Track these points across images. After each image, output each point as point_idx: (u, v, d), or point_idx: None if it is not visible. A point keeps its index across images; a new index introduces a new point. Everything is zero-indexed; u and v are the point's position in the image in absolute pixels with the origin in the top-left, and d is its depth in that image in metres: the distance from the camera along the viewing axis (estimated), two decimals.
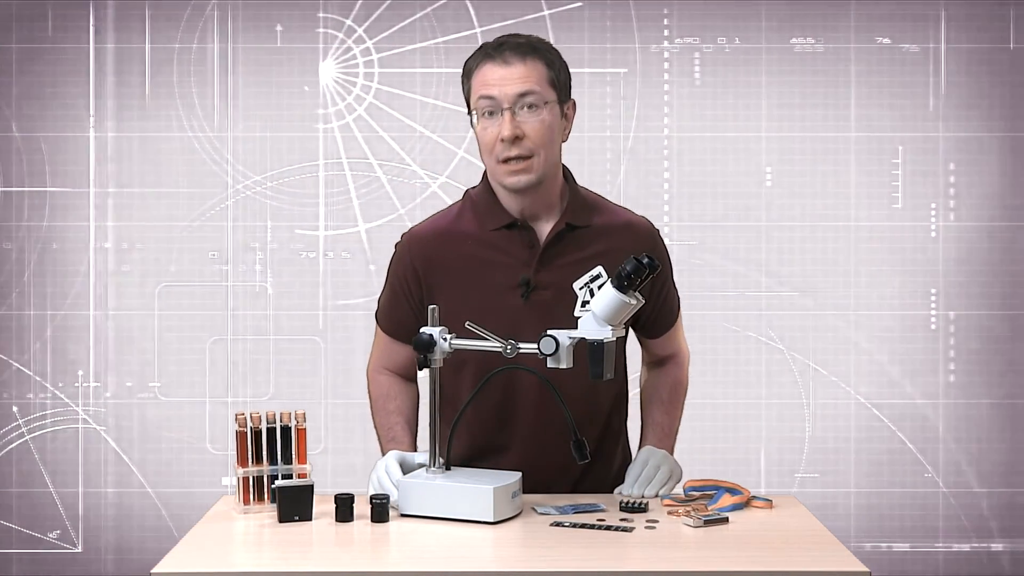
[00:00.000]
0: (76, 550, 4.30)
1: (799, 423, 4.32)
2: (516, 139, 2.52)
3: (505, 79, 2.52)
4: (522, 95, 2.52)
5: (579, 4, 4.27)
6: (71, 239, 4.29)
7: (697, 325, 4.02)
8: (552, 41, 4.21)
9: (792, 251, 4.30)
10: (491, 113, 2.55)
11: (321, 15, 4.26)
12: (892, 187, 4.29)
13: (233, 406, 4.28)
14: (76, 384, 4.29)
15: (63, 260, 4.29)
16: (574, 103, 2.64)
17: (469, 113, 2.60)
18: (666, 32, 4.29)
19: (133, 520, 4.29)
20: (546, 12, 4.26)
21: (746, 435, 4.29)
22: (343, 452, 4.23)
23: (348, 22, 4.26)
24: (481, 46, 2.60)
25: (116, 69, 4.26)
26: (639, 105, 4.29)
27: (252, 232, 4.29)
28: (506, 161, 2.54)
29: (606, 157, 4.28)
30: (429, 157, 4.30)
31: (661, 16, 4.29)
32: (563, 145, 2.63)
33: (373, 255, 4.29)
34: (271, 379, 4.30)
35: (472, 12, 4.26)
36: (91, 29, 4.25)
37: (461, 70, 2.62)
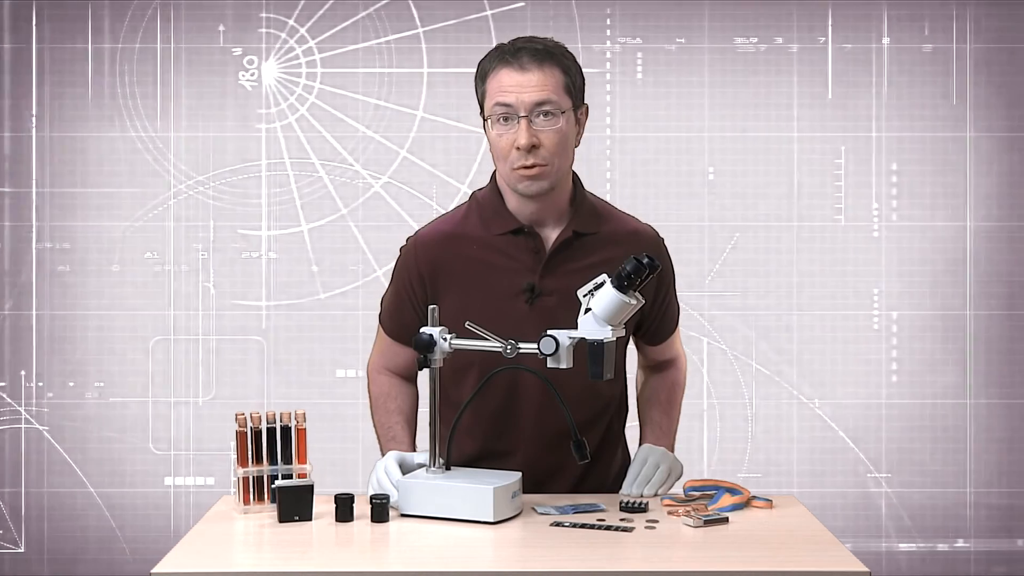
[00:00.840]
0: (19, 550, 4.29)
1: (742, 423, 4.32)
2: (532, 148, 2.51)
3: (522, 86, 2.50)
4: (539, 104, 2.50)
5: (521, 4, 4.27)
6: (13, 239, 4.29)
7: None
8: (494, 41, 4.27)
9: (734, 251, 4.30)
10: (506, 119, 2.52)
11: (263, 15, 4.26)
12: (835, 187, 4.29)
13: (176, 406, 4.28)
14: (19, 384, 4.29)
15: (5, 260, 4.29)
16: (587, 108, 2.62)
17: (482, 115, 2.57)
18: (608, 32, 4.29)
19: (76, 520, 4.29)
20: (488, 12, 4.27)
21: (688, 435, 4.29)
22: None
23: (291, 22, 4.26)
24: (497, 47, 2.57)
25: (59, 69, 4.26)
26: None
27: (195, 232, 4.29)
28: (521, 168, 2.53)
29: None
30: (372, 157, 4.30)
31: (604, 16, 4.29)
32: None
33: (315, 255, 4.29)
34: (213, 379, 4.30)
35: (415, 12, 4.27)
36: (34, 29, 4.25)
37: (475, 71, 2.58)
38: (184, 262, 4.28)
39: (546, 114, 2.50)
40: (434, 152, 4.29)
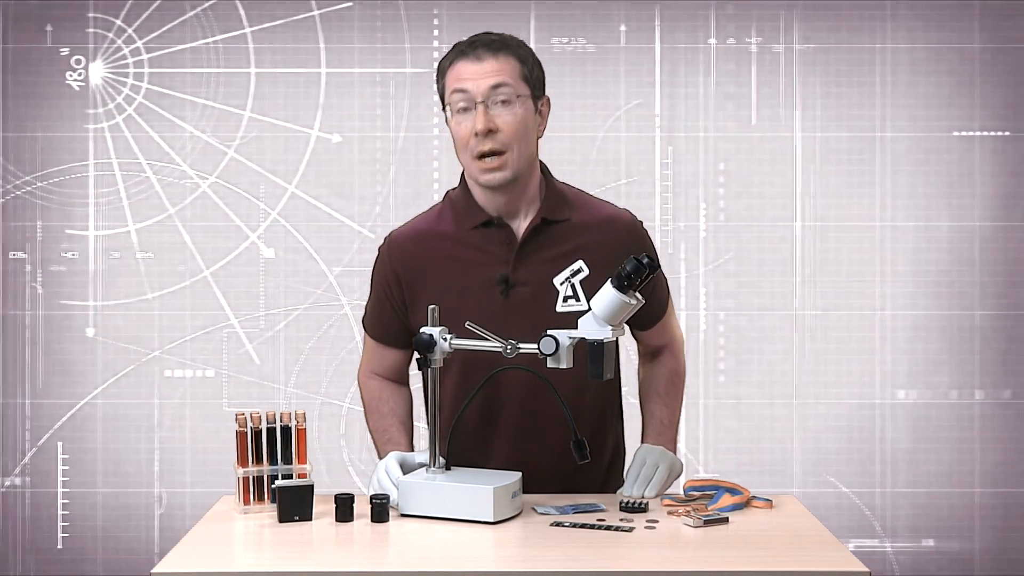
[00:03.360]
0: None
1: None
2: (490, 132, 2.54)
3: (478, 74, 2.55)
4: (495, 87, 2.54)
5: (349, 4, 4.27)
6: None
7: None
8: (321, 42, 4.28)
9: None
10: (465, 109, 2.56)
11: (91, 15, 4.26)
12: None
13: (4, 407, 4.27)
14: None
15: None
16: (548, 100, 2.66)
17: (444, 111, 2.61)
18: (436, 32, 4.29)
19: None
20: (316, 12, 4.26)
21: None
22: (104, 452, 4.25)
23: (118, 22, 4.26)
24: (454, 45, 2.62)
25: None
26: (409, 105, 4.29)
27: (22, 232, 4.28)
28: (481, 157, 2.55)
29: (376, 157, 4.29)
30: (199, 157, 4.29)
31: (431, 16, 4.29)
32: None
33: (143, 255, 4.28)
34: (40, 379, 4.29)
35: (242, 12, 4.26)
36: None
37: (435, 70, 2.66)
38: (11, 262, 4.28)
39: (503, 101, 2.55)
40: (261, 152, 4.29)
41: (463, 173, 2.67)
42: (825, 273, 4.30)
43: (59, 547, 4.27)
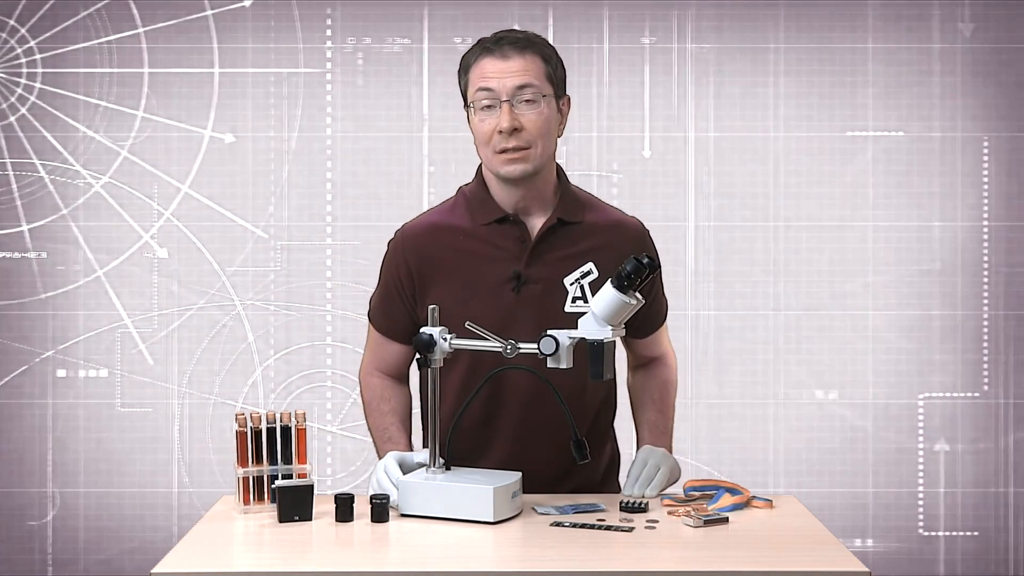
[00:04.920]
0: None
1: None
2: (514, 131, 2.54)
3: (504, 72, 2.55)
4: (520, 88, 2.55)
5: (242, 5, 4.27)
6: None
7: None
8: (215, 42, 4.28)
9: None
10: (489, 106, 2.56)
11: None
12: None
13: None
14: None
15: None
16: (569, 99, 2.67)
17: (466, 107, 2.61)
18: (329, 32, 4.30)
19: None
20: (209, 12, 4.26)
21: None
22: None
23: (11, 22, 4.25)
24: (479, 41, 2.62)
25: None
26: (303, 105, 4.29)
27: None
28: (503, 151, 2.56)
29: (270, 157, 4.29)
30: (93, 157, 4.29)
31: (324, 16, 4.29)
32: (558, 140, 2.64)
33: (36, 255, 4.27)
34: None
35: (135, 12, 4.26)
36: None
37: (457, 66, 2.63)
38: None
39: (528, 100, 2.55)
40: (155, 152, 4.28)
41: (478, 168, 2.68)
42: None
43: None
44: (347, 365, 4.29)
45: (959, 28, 4.29)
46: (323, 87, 4.29)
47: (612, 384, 2.75)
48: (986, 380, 4.31)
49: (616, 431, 2.84)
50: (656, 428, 2.78)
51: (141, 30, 4.26)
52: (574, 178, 2.76)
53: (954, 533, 4.31)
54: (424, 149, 4.29)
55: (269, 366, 4.31)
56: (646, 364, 2.84)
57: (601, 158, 4.30)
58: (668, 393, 2.83)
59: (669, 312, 2.84)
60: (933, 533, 4.31)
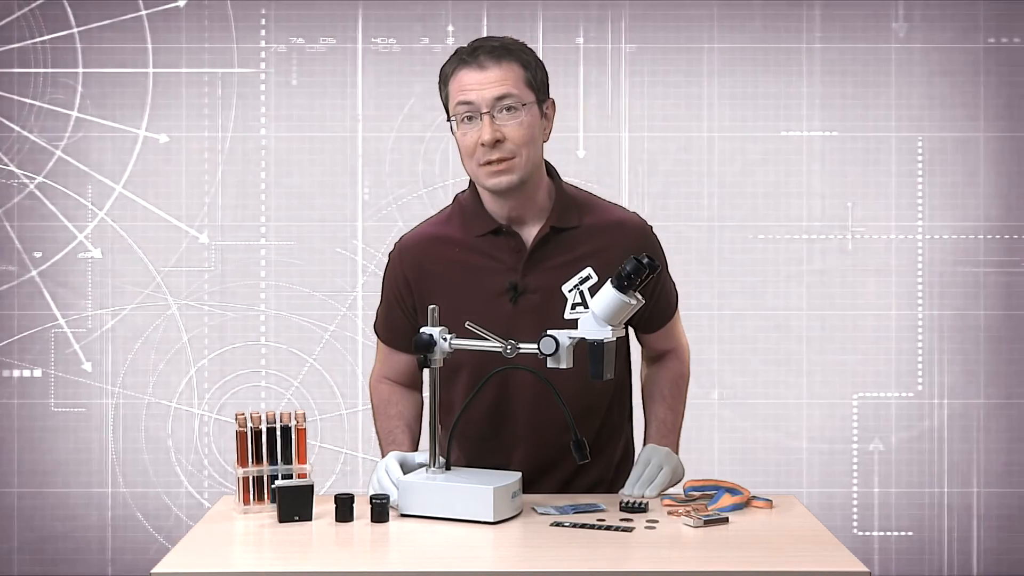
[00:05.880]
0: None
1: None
2: (496, 142, 2.52)
3: (482, 83, 2.52)
4: (500, 98, 2.53)
5: (177, 5, 4.27)
6: None
7: None
8: (148, 42, 4.28)
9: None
10: (470, 118, 2.54)
11: None
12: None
13: None
14: None
15: None
16: (553, 101, 2.64)
17: (448, 120, 2.59)
18: (263, 32, 4.30)
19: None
20: (144, 12, 4.26)
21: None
22: None
23: None
24: (456, 51, 2.59)
25: None
26: (237, 105, 4.29)
27: None
28: (487, 163, 2.54)
29: (204, 157, 4.28)
30: (27, 157, 4.29)
31: (259, 16, 4.29)
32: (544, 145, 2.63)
33: None
34: None
35: (70, 12, 4.26)
36: None
37: (438, 77, 2.61)
38: None
39: (508, 109, 2.53)
40: (89, 152, 4.28)
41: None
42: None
43: None
44: (281, 365, 4.29)
45: (893, 28, 4.29)
46: (257, 87, 4.29)
47: (625, 380, 2.76)
48: (920, 380, 4.32)
49: (632, 429, 2.84)
50: (664, 426, 2.76)
51: (75, 30, 4.26)
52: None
53: (888, 533, 4.31)
54: (359, 149, 4.29)
55: (203, 366, 4.31)
56: (659, 357, 2.83)
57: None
58: (679, 387, 2.82)
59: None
60: (867, 533, 4.32)
